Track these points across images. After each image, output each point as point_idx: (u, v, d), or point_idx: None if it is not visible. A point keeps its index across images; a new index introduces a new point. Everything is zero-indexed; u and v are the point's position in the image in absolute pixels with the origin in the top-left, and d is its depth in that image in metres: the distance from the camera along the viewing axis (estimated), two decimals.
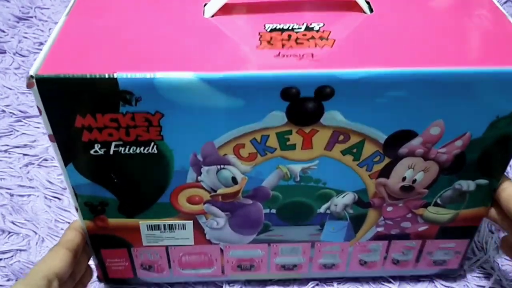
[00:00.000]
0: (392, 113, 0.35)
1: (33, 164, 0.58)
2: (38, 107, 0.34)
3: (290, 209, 0.42)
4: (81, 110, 0.34)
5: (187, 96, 0.33)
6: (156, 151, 0.37)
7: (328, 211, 0.42)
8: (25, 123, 0.47)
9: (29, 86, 0.32)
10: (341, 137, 0.37)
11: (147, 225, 0.42)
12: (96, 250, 0.44)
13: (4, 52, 0.43)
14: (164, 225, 0.43)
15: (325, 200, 0.41)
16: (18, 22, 0.41)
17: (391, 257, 0.47)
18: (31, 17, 0.47)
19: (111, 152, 0.37)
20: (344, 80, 0.33)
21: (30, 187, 0.58)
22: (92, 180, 0.38)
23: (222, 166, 0.38)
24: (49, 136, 0.36)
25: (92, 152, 0.36)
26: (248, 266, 0.47)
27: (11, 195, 0.57)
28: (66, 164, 0.37)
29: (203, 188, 0.40)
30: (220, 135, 0.36)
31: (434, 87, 0.34)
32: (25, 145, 0.49)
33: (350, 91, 0.33)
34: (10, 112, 0.45)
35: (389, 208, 0.43)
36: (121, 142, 0.36)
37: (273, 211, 0.42)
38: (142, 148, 0.36)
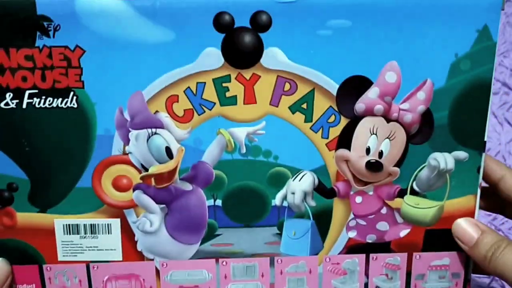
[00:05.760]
0: (340, 51, 0.32)
1: None
2: None
3: (238, 199, 0.35)
4: None
5: (111, 25, 0.31)
6: (75, 105, 0.32)
7: (285, 203, 0.35)
8: None
9: None
10: (288, 86, 0.33)
11: (63, 225, 0.34)
12: None
13: None
14: (85, 226, 0.35)
15: (279, 184, 0.35)
16: None
17: (373, 284, 0.37)
18: None
19: (24, 105, 0.32)
20: (280, 3, 0.31)
21: None
22: (0, 147, 0.33)
23: (153, 131, 0.33)
24: None
25: (2, 104, 0.32)
26: None
27: None
28: None
29: (132, 165, 0.34)
30: (150, 81, 0.32)
31: (378, 14, 0.31)
32: None
33: (288, 20, 0.31)
34: None
35: (358, 199, 0.35)
36: (36, 91, 0.32)
37: (218, 202, 0.35)
38: (59, 101, 0.32)
